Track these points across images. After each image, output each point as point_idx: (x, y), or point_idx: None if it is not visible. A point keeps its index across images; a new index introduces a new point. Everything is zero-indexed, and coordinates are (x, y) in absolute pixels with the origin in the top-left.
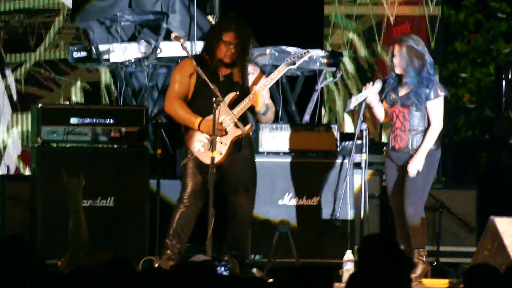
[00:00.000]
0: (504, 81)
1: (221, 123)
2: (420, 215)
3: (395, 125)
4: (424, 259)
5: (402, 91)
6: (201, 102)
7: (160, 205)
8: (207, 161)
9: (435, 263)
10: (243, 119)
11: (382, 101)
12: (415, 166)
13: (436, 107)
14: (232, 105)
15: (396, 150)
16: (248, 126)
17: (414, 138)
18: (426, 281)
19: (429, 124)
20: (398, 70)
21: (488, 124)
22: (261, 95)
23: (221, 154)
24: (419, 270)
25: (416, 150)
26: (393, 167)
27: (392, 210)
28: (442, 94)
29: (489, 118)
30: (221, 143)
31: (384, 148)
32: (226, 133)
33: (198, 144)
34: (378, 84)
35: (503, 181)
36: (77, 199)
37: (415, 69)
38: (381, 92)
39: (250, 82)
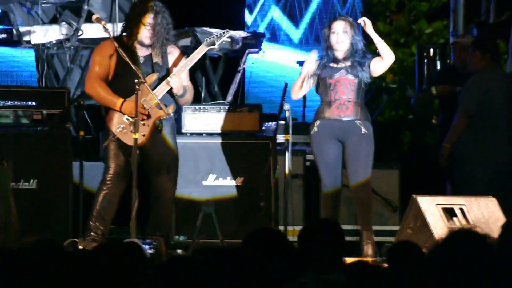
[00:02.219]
0: (425, 61)
1: (143, 105)
2: (371, 192)
3: (336, 94)
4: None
5: (346, 63)
6: (121, 83)
7: (83, 187)
8: (129, 142)
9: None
10: (165, 100)
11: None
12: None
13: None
14: (152, 86)
15: (340, 119)
16: (170, 107)
17: (358, 109)
18: (349, 260)
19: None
20: (341, 47)
21: (411, 104)
22: (178, 77)
23: (143, 135)
24: (370, 250)
25: (360, 121)
26: (330, 142)
27: (323, 185)
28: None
29: (411, 98)
30: (143, 124)
31: (318, 121)
32: (148, 114)
33: (120, 125)
34: (315, 53)
35: (426, 161)
36: (7, 184)
37: (357, 48)
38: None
39: (170, 63)
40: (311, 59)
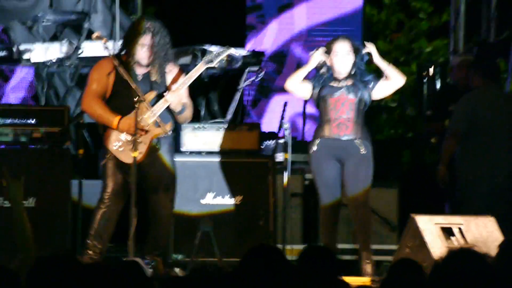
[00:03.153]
0: (425, 80)
1: (140, 122)
2: (370, 212)
3: (337, 113)
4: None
5: (347, 82)
6: (119, 101)
7: (82, 205)
8: (126, 160)
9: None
10: (163, 117)
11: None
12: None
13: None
14: (151, 104)
15: (340, 138)
16: (168, 124)
17: (358, 128)
18: (347, 279)
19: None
20: (345, 69)
21: (410, 122)
22: (176, 94)
23: (140, 153)
24: (369, 269)
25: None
26: (329, 161)
27: (322, 204)
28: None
29: (411, 117)
30: (140, 142)
31: (317, 140)
32: (146, 132)
33: (117, 143)
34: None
35: (425, 180)
36: (19, 200)
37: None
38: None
39: (169, 81)
40: (320, 52)
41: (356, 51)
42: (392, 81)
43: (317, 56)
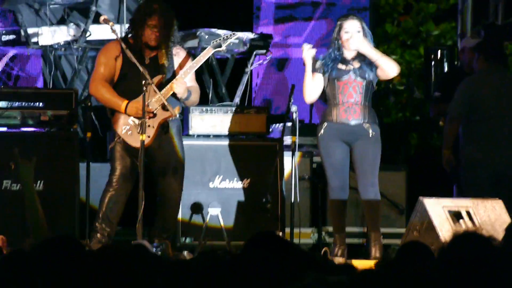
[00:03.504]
0: (433, 63)
1: (148, 105)
2: (379, 194)
3: (344, 97)
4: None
5: (354, 64)
6: (127, 85)
7: (90, 188)
8: (135, 144)
9: (365, 244)
10: (170, 101)
11: (323, 73)
12: (358, 40)
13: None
14: (158, 87)
15: (348, 123)
16: (176, 108)
17: (365, 111)
18: (354, 262)
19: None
20: (355, 46)
21: (418, 105)
22: (181, 81)
23: (148, 136)
24: (377, 252)
25: (368, 123)
26: (337, 144)
27: (331, 187)
28: None
29: (419, 100)
30: (149, 126)
31: (325, 124)
32: (154, 115)
33: (125, 127)
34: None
35: (433, 163)
36: (30, 182)
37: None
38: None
39: (176, 64)
40: (307, 50)
41: (365, 27)
42: (384, 71)
43: (308, 54)
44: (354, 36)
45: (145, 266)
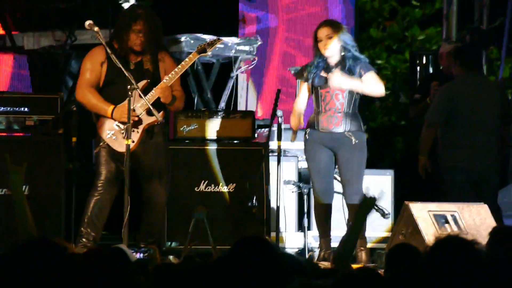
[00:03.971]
0: (418, 68)
1: (133, 110)
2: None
3: (327, 105)
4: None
5: (337, 71)
6: (112, 90)
7: (75, 193)
8: (120, 148)
9: None
10: (155, 106)
11: (307, 81)
12: (337, 79)
13: (373, 77)
14: (143, 92)
15: (330, 131)
16: (160, 113)
17: (348, 120)
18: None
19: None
20: (329, 53)
21: (403, 110)
22: (166, 87)
23: (133, 141)
24: (364, 256)
25: (350, 132)
26: (321, 149)
27: (315, 191)
28: (372, 69)
29: (404, 104)
30: (134, 130)
31: (308, 130)
32: (139, 120)
33: (110, 132)
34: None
35: (418, 167)
36: (20, 187)
37: (348, 51)
38: (304, 73)
39: (161, 69)
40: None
41: (339, 31)
42: (371, 95)
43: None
44: (333, 76)
45: (125, 270)
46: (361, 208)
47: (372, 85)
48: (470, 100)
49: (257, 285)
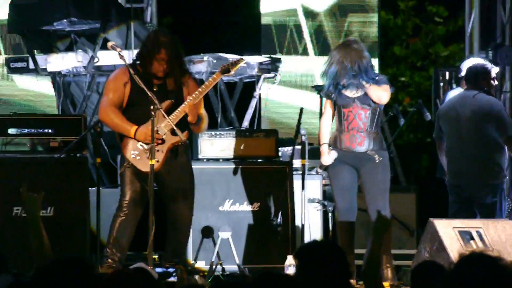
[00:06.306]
0: (442, 84)
1: (157, 131)
2: (390, 214)
3: (350, 125)
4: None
5: (358, 92)
6: (135, 111)
7: (101, 213)
8: (144, 168)
9: None
10: (179, 126)
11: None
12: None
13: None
14: (167, 113)
15: (353, 151)
16: (184, 133)
17: (370, 139)
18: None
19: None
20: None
21: (429, 127)
22: (192, 105)
23: (157, 161)
24: (390, 274)
25: (373, 151)
26: (344, 167)
27: (338, 209)
28: (387, 82)
29: (429, 121)
30: (158, 150)
31: (331, 148)
32: (163, 141)
33: (134, 152)
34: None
35: (443, 184)
36: (36, 213)
37: (367, 70)
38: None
39: (184, 91)
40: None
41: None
42: (373, 99)
43: (329, 159)
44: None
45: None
46: (377, 225)
47: (376, 88)
48: (452, 115)
49: None
